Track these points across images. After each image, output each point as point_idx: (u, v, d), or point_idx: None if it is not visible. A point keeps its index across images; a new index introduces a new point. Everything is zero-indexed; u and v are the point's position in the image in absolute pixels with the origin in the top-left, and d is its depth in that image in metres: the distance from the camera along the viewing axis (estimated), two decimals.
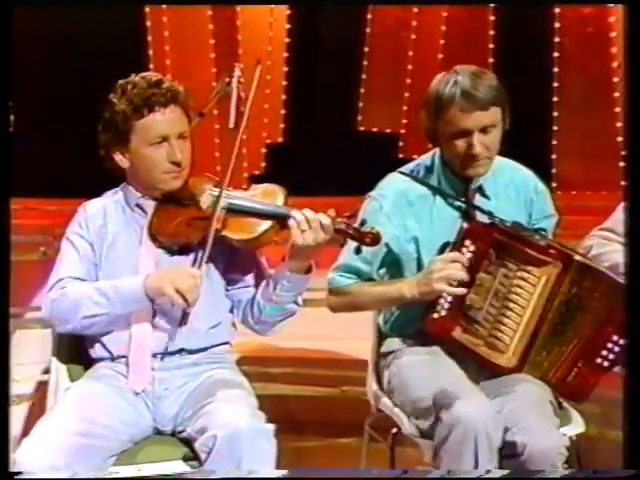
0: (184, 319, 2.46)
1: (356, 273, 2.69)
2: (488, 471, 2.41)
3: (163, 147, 2.51)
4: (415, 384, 2.60)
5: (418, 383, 2.59)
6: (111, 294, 2.45)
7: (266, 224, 2.47)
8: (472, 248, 2.54)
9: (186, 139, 2.54)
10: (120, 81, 2.55)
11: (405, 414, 2.64)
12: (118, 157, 2.55)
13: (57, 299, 2.49)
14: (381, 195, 2.70)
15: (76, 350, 2.62)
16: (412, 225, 2.67)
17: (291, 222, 2.42)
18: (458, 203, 2.67)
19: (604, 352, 2.56)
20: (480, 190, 2.68)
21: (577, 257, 2.56)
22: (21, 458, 2.22)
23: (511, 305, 2.58)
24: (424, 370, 2.62)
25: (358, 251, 2.46)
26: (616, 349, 2.55)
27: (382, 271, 2.75)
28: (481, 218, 2.63)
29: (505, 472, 2.42)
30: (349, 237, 2.44)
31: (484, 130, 2.55)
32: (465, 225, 2.58)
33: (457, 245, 2.56)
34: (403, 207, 2.67)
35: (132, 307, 2.47)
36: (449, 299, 2.55)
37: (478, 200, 2.68)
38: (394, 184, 2.72)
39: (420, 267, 2.66)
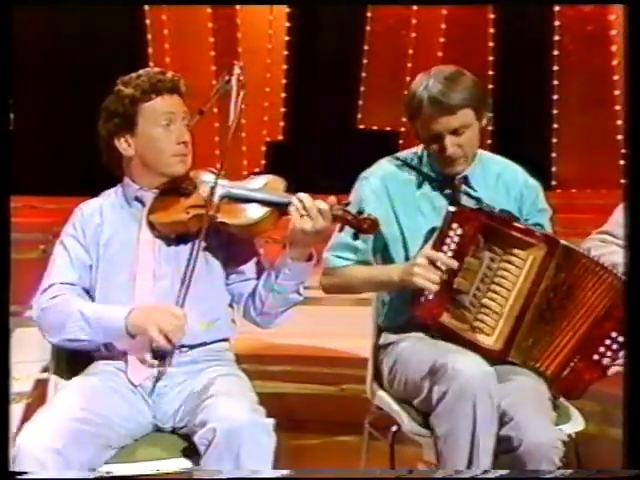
0: (169, 358, 2.46)
1: (352, 250, 2.72)
2: (486, 471, 2.41)
3: (170, 129, 2.55)
4: (413, 361, 2.63)
5: (416, 359, 2.62)
6: (93, 322, 2.46)
7: (264, 210, 2.49)
8: (459, 232, 2.57)
9: (188, 127, 2.59)
10: (121, 77, 2.60)
11: (405, 406, 2.66)
12: (122, 145, 2.57)
13: (46, 309, 2.50)
14: (370, 174, 2.78)
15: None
16: (398, 207, 2.73)
17: (291, 209, 2.44)
18: (446, 190, 2.72)
19: (602, 349, 2.56)
20: (466, 181, 2.73)
21: (563, 241, 2.57)
22: (22, 442, 2.23)
23: (497, 288, 2.59)
24: (421, 349, 2.65)
25: (355, 237, 2.48)
26: (614, 346, 2.55)
27: (377, 255, 2.77)
28: (469, 204, 2.67)
29: (504, 472, 2.43)
30: (347, 224, 2.46)
31: (455, 132, 2.61)
32: (452, 209, 2.60)
33: (444, 229, 2.58)
34: (390, 187, 2.74)
35: (113, 339, 2.49)
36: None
37: (464, 191, 2.73)
38: (384, 166, 2.80)
39: (406, 249, 2.71)
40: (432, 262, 2.55)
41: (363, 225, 2.45)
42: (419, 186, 2.75)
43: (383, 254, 2.77)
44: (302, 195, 2.45)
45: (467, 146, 2.65)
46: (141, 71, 2.61)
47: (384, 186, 2.74)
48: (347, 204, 2.49)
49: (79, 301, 2.52)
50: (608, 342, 2.56)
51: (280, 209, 2.48)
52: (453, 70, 2.66)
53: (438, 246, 2.58)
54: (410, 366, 2.64)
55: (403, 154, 2.82)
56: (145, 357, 2.49)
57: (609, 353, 2.56)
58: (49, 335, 2.53)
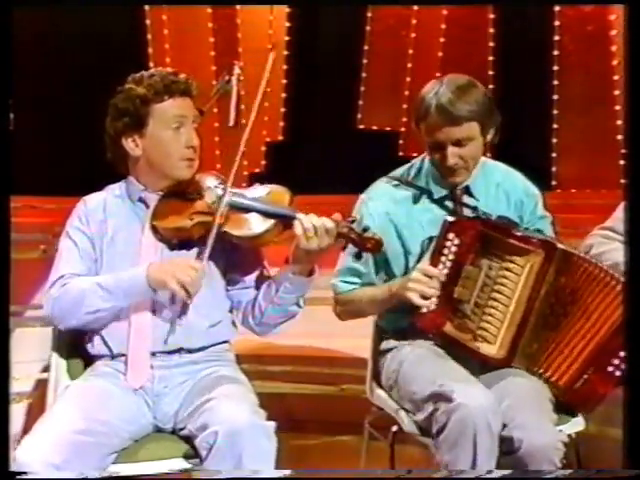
0: (184, 311, 2.46)
1: (356, 275, 2.72)
2: (490, 471, 2.41)
3: (180, 133, 2.54)
4: (414, 377, 2.62)
5: (417, 376, 2.61)
6: (113, 287, 2.45)
7: (268, 223, 2.48)
8: (456, 241, 2.56)
9: (197, 131, 2.57)
10: (132, 75, 2.58)
11: (405, 410, 2.66)
12: (130, 145, 2.55)
13: (59, 297, 2.49)
14: (368, 197, 2.77)
15: (76, 348, 2.63)
16: (399, 224, 2.72)
17: (297, 227, 2.43)
18: (444, 202, 2.71)
19: (616, 360, 2.54)
20: (467, 191, 2.72)
21: (560, 245, 2.56)
22: (21, 457, 2.22)
23: (497, 296, 2.58)
24: (422, 364, 2.64)
25: (359, 256, 2.48)
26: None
27: (381, 274, 2.77)
28: (466, 213, 2.67)
29: (506, 472, 2.43)
30: (351, 242, 2.46)
31: (458, 143, 2.59)
32: (449, 219, 2.59)
33: (440, 239, 2.58)
34: (389, 207, 2.73)
35: (135, 298, 2.48)
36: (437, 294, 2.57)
37: (465, 200, 2.72)
38: (382, 188, 2.79)
39: (407, 264, 2.71)
40: (427, 276, 2.55)
41: (367, 244, 2.45)
42: (418, 200, 2.74)
43: (386, 270, 2.76)
44: (310, 216, 2.44)
45: (469, 158, 2.63)
46: (153, 70, 2.59)
47: (383, 208, 2.72)
48: (352, 221, 2.48)
49: (91, 277, 2.51)
50: (623, 354, 2.53)
51: (285, 222, 2.47)
52: (466, 81, 2.64)
53: (436, 256, 2.58)
54: (411, 384, 2.62)
55: (399, 172, 2.81)
56: (145, 359, 2.49)
57: (623, 365, 2.53)
58: (66, 318, 2.50)
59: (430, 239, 2.66)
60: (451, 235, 2.56)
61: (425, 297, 2.55)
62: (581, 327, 2.58)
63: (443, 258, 2.57)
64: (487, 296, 2.59)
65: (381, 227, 2.67)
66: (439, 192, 2.72)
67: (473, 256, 2.57)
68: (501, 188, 2.77)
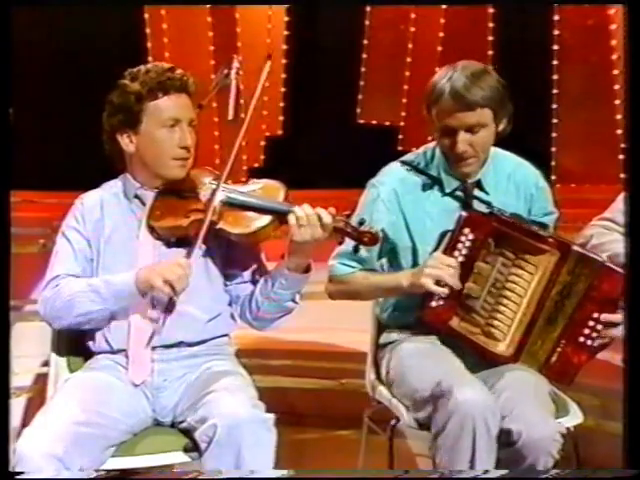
0: (170, 307, 2.43)
1: (357, 260, 2.70)
2: (486, 471, 2.42)
3: (174, 132, 2.52)
4: (414, 375, 2.61)
5: (417, 374, 2.61)
6: (103, 290, 2.45)
7: (264, 219, 2.47)
8: (471, 237, 2.55)
9: (194, 128, 2.56)
10: (129, 69, 2.56)
11: (404, 405, 2.66)
12: (125, 141, 2.54)
13: (51, 297, 2.49)
14: (380, 182, 2.74)
15: (75, 342, 2.63)
16: (408, 213, 2.70)
17: (290, 218, 2.42)
18: (457, 193, 2.69)
19: (586, 330, 2.56)
20: (478, 184, 2.70)
21: (575, 247, 2.56)
22: (21, 446, 2.22)
23: (509, 294, 2.58)
24: (423, 361, 2.63)
25: (356, 250, 2.47)
26: (599, 327, 2.55)
27: (382, 261, 2.77)
28: (479, 208, 2.65)
29: (504, 472, 2.43)
30: (347, 236, 2.45)
31: (470, 130, 2.57)
32: (464, 213, 2.58)
33: (455, 233, 2.57)
34: (400, 195, 2.71)
35: (125, 302, 2.47)
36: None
37: (476, 194, 2.70)
38: (394, 172, 2.76)
39: (415, 256, 2.69)
40: (443, 264, 2.53)
41: (363, 238, 2.44)
42: (429, 189, 2.72)
43: (390, 259, 2.75)
44: (302, 206, 2.43)
45: (479, 146, 2.61)
46: (150, 65, 2.57)
47: (395, 195, 2.71)
48: (348, 215, 2.48)
49: (83, 279, 2.51)
50: (592, 323, 2.55)
51: (280, 217, 2.46)
52: (480, 67, 2.63)
53: (449, 250, 2.56)
54: (411, 382, 2.62)
55: (411, 157, 2.78)
56: (145, 355, 2.50)
57: (594, 334, 2.56)
58: (59, 318, 2.50)
59: (440, 233, 2.65)
60: (466, 230, 2.55)
61: (440, 285, 2.52)
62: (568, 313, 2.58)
63: (456, 252, 2.56)
64: (498, 293, 2.58)
65: (391, 214, 2.68)
66: (450, 184, 2.70)
67: (486, 252, 2.56)
68: (512, 180, 2.76)
